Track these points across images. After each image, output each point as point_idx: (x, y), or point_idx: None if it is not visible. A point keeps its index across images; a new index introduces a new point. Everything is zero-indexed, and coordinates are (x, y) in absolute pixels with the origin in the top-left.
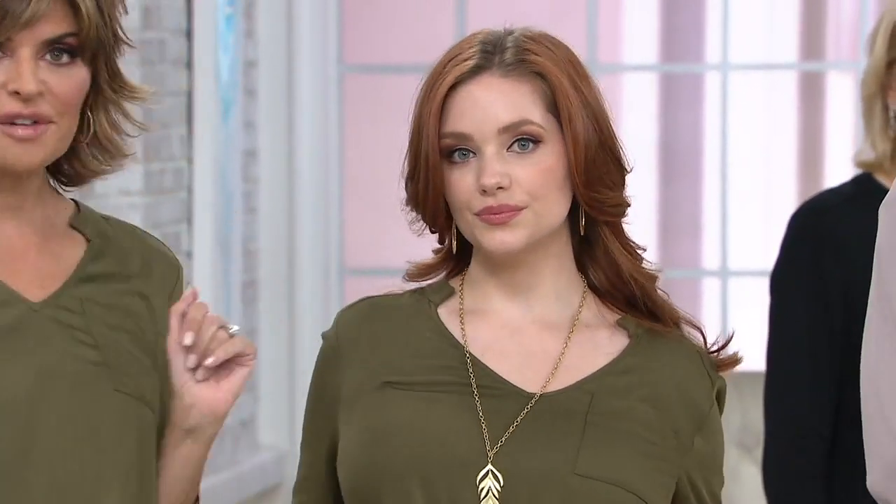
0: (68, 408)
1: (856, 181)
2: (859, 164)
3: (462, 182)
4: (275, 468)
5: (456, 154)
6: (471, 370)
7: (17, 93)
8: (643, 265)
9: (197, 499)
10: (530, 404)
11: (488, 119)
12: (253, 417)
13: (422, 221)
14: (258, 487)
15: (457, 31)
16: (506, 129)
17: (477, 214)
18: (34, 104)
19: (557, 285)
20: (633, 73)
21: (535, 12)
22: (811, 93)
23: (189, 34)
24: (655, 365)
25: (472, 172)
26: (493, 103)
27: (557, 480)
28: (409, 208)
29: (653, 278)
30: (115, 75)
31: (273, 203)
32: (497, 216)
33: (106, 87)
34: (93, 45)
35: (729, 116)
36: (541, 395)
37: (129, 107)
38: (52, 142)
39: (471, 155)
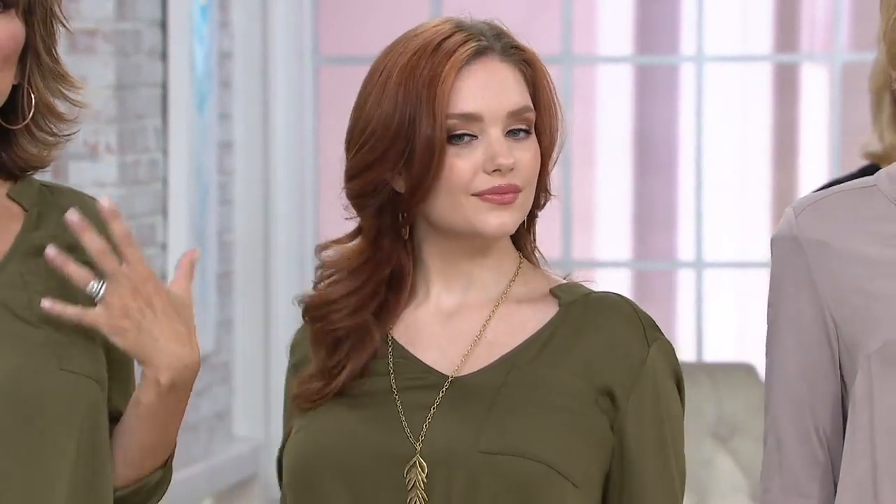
0: (10, 388)
1: (862, 173)
2: (866, 155)
3: (466, 163)
4: (250, 460)
5: (454, 137)
6: (391, 363)
7: None
8: (530, 256)
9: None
10: (443, 389)
11: (499, 102)
12: (228, 409)
13: (373, 209)
14: (234, 479)
15: None
16: (512, 114)
17: (478, 195)
18: None
19: (498, 268)
20: (608, 64)
21: (511, 3)
22: (785, 84)
23: (164, 25)
24: (586, 330)
25: (477, 153)
26: (501, 87)
27: (465, 461)
28: (355, 195)
29: None
30: (50, 50)
31: (248, 194)
32: (503, 196)
33: (44, 55)
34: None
35: (704, 108)
36: (454, 378)
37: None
38: None
39: (468, 137)
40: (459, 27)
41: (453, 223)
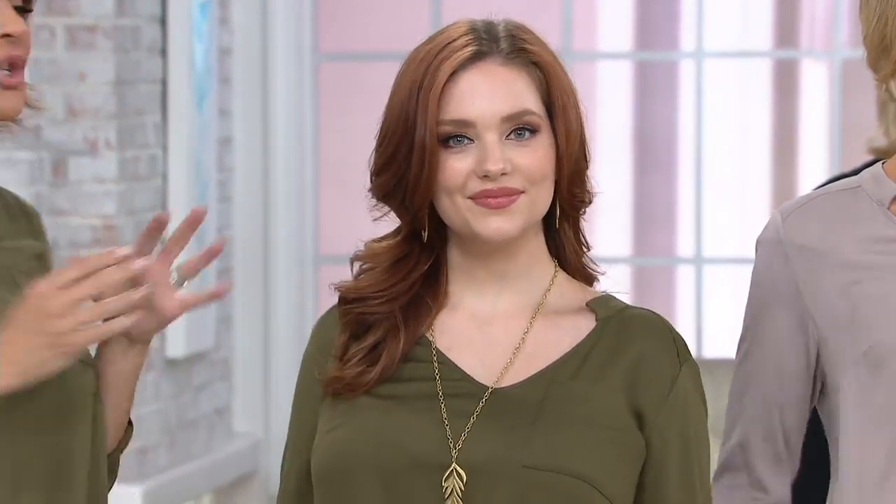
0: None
1: (866, 168)
2: (871, 150)
3: (459, 166)
4: (250, 456)
5: (451, 140)
6: (437, 368)
7: None
8: (585, 262)
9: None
10: (484, 399)
11: (492, 108)
12: (228, 406)
13: (396, 208)
14: (233, 475)
15: (432, 19)
16: (508, 118)
17: (472, 198)
18: None
19: (530, 273)
20: (607, 60)
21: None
22: (785, 81)
23: (163, 21)
24: (622, 347)
25: (471, 157)
26: (496, 92)
27: (509, 474)
28: (379, 195)
29: (590, 279)
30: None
31: (248, 191)
32: (496, 199)
33: None
34: None
35: (703, 104)
36: (494, 388)
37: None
38: None
39: (466, 140)
40: (469, 30)
41: (456, 226)
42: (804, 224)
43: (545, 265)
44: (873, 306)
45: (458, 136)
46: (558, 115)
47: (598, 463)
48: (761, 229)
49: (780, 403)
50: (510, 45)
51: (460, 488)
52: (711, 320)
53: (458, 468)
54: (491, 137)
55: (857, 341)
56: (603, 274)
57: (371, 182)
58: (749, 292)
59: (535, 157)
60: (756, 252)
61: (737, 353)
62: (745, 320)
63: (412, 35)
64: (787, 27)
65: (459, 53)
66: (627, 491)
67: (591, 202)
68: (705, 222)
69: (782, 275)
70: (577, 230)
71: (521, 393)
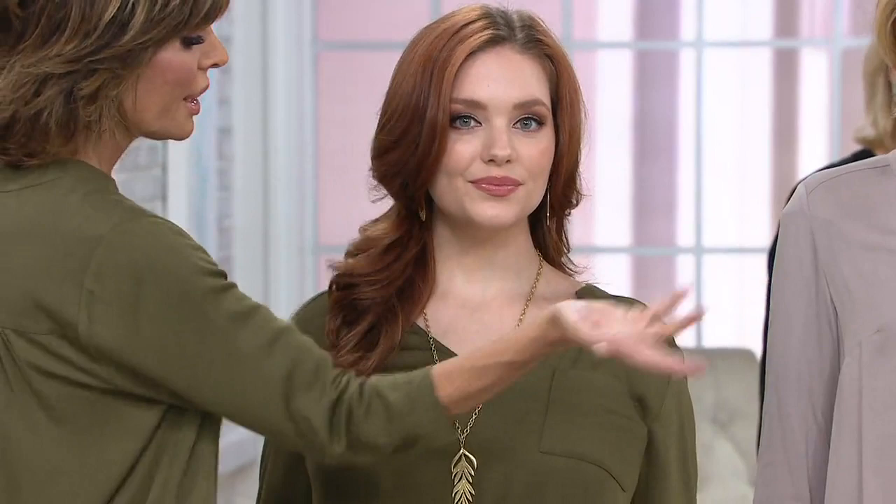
0: None
1: (855, 158)
2: (859, 139)
3: (465, 149)
4: (250, 445)
5: (458, 121)
6: (435, 356)
7: None
8: (564, 262)
9: None
10: None
11: (506, 93)
12: None
13: (396, 190)
14: (234, 464)
15: (432, 8)
16: (519, 106)
17: (474, 182)
18: None
19: (518, 263)
20: (607, 50)
21: None
22: (785, 70)
23: None
24: None
25: (478, 140)
26: (512, 77)
27: (525, 460)
28: (379, 176)
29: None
30: None
31: (247, 180)
32: (499, 187)
33: None
34: None
35: (704, 93)
36: None
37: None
38: None
39: (473, 123)
40: (486, 14)
41: (451, 208)
42: (830, 198)
43: (531, 257)
44: (883, 290)
45: (466, 117)
46: (564, 111)
47: (610, 450)
48: (766, 216)
49: (809, 381)
50: (526, 35)
51: (470, 473)
52: (711, 310)
53: (468, 453)
54: (500, 122)
55: (864, 323)
56: (581, 273)
57: (372, 163)
58: (774, 269)
59: (538, 149)
60: (780, 228)
61: (769, 334)
62: (771, 300)
63: (412, 24)
64: (786, 16)
65: (478, 35)
66: (634, 477)
67: (578, 203)
68: (705, 211)
69: (807, 249)
70: (560, 229)
71: (524, 379)
